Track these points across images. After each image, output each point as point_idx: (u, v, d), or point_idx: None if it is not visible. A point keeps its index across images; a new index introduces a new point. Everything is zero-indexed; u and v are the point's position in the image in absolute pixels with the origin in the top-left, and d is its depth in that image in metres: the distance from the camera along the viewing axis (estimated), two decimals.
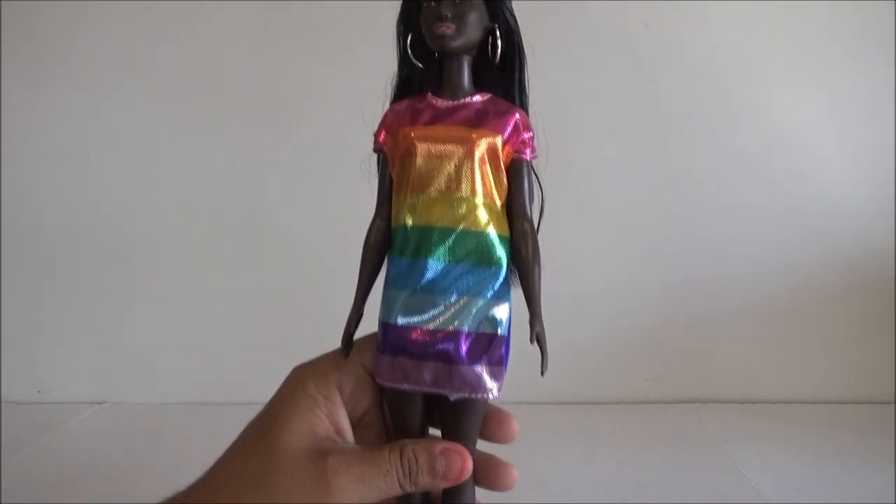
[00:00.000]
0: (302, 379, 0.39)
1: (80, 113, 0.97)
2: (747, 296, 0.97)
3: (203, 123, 0.97)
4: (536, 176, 0.41)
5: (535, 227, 0.40)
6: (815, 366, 0.98)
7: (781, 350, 0.98)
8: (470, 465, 0.38)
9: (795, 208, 0.96)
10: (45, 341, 1.02)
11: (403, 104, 0.41)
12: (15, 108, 0.98)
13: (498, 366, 0.38)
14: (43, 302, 1.01)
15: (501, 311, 0.38)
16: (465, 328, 0.37)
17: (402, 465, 0.36)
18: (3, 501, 0.71)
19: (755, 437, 0.85)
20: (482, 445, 0.41)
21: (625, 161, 0.96)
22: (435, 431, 0.41)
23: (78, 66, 0.97)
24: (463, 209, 0.37)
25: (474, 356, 0.37)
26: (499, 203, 0.39)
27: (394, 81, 0.43)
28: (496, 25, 0.40)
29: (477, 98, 0.40)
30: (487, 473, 0.41)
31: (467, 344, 0.37)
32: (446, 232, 0.37)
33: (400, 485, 0.36)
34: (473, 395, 0.37)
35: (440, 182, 0.38)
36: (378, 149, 0.41)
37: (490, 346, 0.37)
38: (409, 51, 0.41)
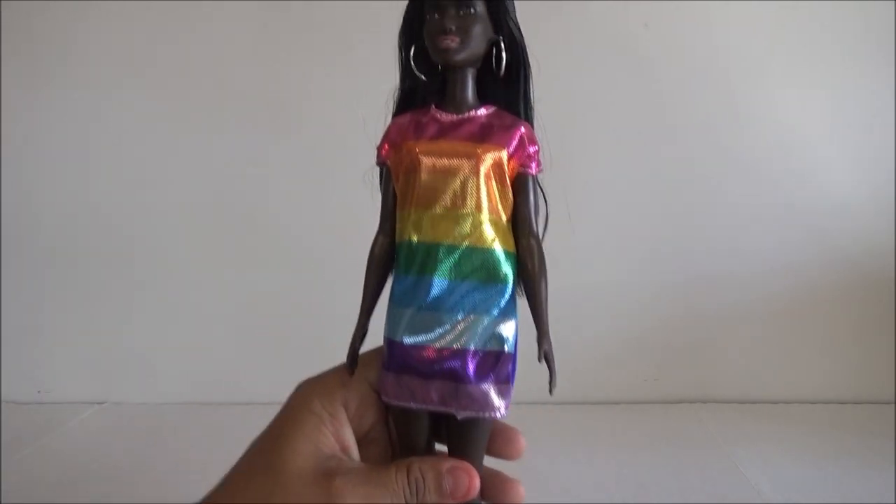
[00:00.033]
0: (307, 396, 0.39)
1: (80, 113, 0.97)
2: (747, 296, 0.97)
3: (203, 123, 0.97)
4: (542, 190, 0.41)
5: (541, 240, 0.40)
6: (815, 366, 0.98)
7: (781, 350, 0.98)
8: (477, 483, 0.37)
9: (796, 208, 0.96)
10: (45, 341, 1.02)
11: (406, 117, 0.40)
12: (15, 108, 0.97)
13: (505, 383, 0.37)
14: (43, 302, 1.01)
15: (508, 329, 0.38)
16: (472, 346, 0.37)
17: (409, 484, 0.36)
18: (3, 501, 0.71)
19: (755, 437, 0.85)
20: (489, 461, 0.41)
21: (624, 161, 0.96)
22: (441, 447, 0.41)
23: (78, 66, 0.97)
24: (468, 225, 0.37)
25: (481, 374, 0.37)
26: (504, 218, 0.38)
27: (395, 93, 0.42)
28: (501, 37, 0.39)
29: (481, 111, 0.40)
30: (494, 490, 0.41)
31: (474, 362, 0.37)
32: (452, 249, 0.37)
33: None
34: (481, 414, 0.37)
35: (445, 198, 0.37)
36: (381, 162, 0.40)
37: (497, 363, 0.37)
38: (412, 63, 0.40)
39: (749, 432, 0.87)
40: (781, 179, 0.95)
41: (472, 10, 0.38)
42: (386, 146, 0.40)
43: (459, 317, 0.37)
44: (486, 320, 0.37)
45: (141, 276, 1.00)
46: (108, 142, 0.98)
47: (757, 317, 0.97)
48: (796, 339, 0.98)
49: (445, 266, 0.37)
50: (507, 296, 0.38)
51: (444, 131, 0.39)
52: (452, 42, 0.37)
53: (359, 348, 0.39)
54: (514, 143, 0.38)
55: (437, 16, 0.38)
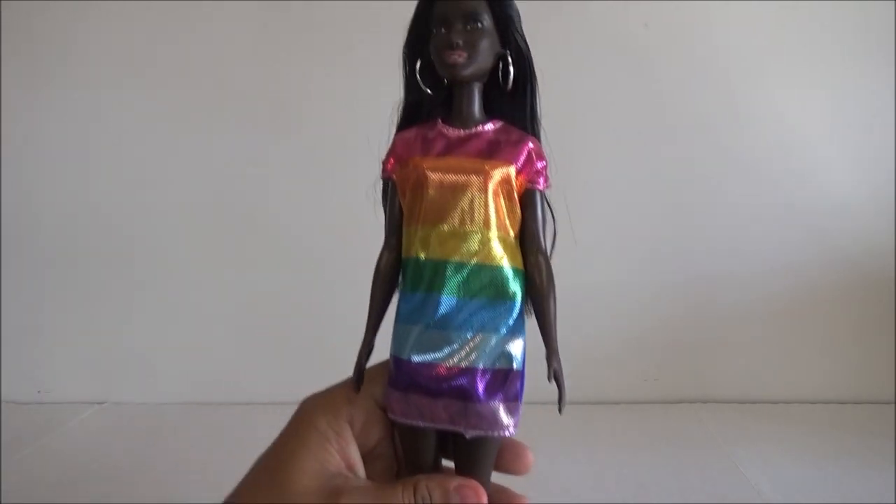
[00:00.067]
0: (312, 413, 0.39)
1: (80, 113, 0.97)
2: (747, 295, 0.97)
3: (203, 123, 0.97)
4: (549, 205, 0.40)
5: (549, 255, 0.39)
6: (815, 366, 0.98)
7: (781, 350, 0.98)
8: (485, 501, 0.37)
9: (796, 208, 0.96)
10: (45, 341, 1.02)
11: (412, 132, 0.40)
12: (15, 108, 0.98)
13: (514, 402, 0.37)
14: (43, 302, 1.01)
15: (516, 347, 0.37)
16: (481, 365, 0.36)
17: (415, 502, 0.36)
18: (3, 501, 0.71)
19: (755, 437, 0.85)
20: (496, 477, 0.40)
21: (625, 161, 0.96)
22: (448, 463, 0.41)
23: (78, 66, 0.97)
24: (477, 242, 0.37)
25: (490, 393, 0.36)
26: (512, 234, 0.38)
27: (400, 107, 0.42)
28: (508, 51, 0.39)
29: (489, 126, 0.39)
30: None
31: (484, 381, 0.36)
32: (460, 266, 0.37)
33: None
34: (490, 433, 0.37)
35: (453, 215, 0.37)
36: (386, 177, 0.40)
37: (506, 382, 0.37)
38: (418, 77, 0.40)
39: (749, 432, 0.87)
40: (781, 179, 0.95)
41: (480, 25, 0.38)
42: (392, 161, 0.40)
43: (468, 335, 0.36)
44: (494, 339, 0.37)
45: (141, 276, 1.00)
46: (108, 142, 0.98)
47: (757, 317, 0.97)
48: (796, 339, 0.98)
49: (453, 284, 0.37)
50: (515, 314, 0.37)
51: (452, 147, 0.38)
52: (460, 57, 0.37)
53: (365, 365, 0.39)
54: (522, 158, 0.38)
55: (444, 30, 0.38)
